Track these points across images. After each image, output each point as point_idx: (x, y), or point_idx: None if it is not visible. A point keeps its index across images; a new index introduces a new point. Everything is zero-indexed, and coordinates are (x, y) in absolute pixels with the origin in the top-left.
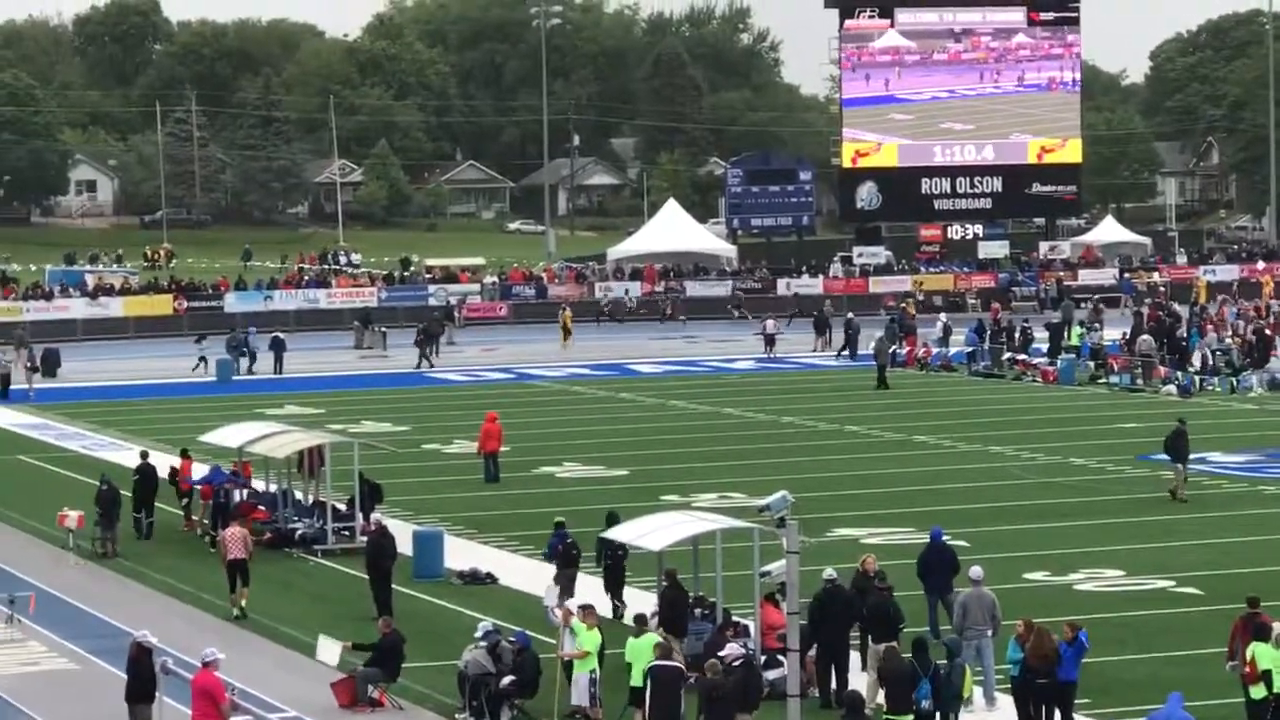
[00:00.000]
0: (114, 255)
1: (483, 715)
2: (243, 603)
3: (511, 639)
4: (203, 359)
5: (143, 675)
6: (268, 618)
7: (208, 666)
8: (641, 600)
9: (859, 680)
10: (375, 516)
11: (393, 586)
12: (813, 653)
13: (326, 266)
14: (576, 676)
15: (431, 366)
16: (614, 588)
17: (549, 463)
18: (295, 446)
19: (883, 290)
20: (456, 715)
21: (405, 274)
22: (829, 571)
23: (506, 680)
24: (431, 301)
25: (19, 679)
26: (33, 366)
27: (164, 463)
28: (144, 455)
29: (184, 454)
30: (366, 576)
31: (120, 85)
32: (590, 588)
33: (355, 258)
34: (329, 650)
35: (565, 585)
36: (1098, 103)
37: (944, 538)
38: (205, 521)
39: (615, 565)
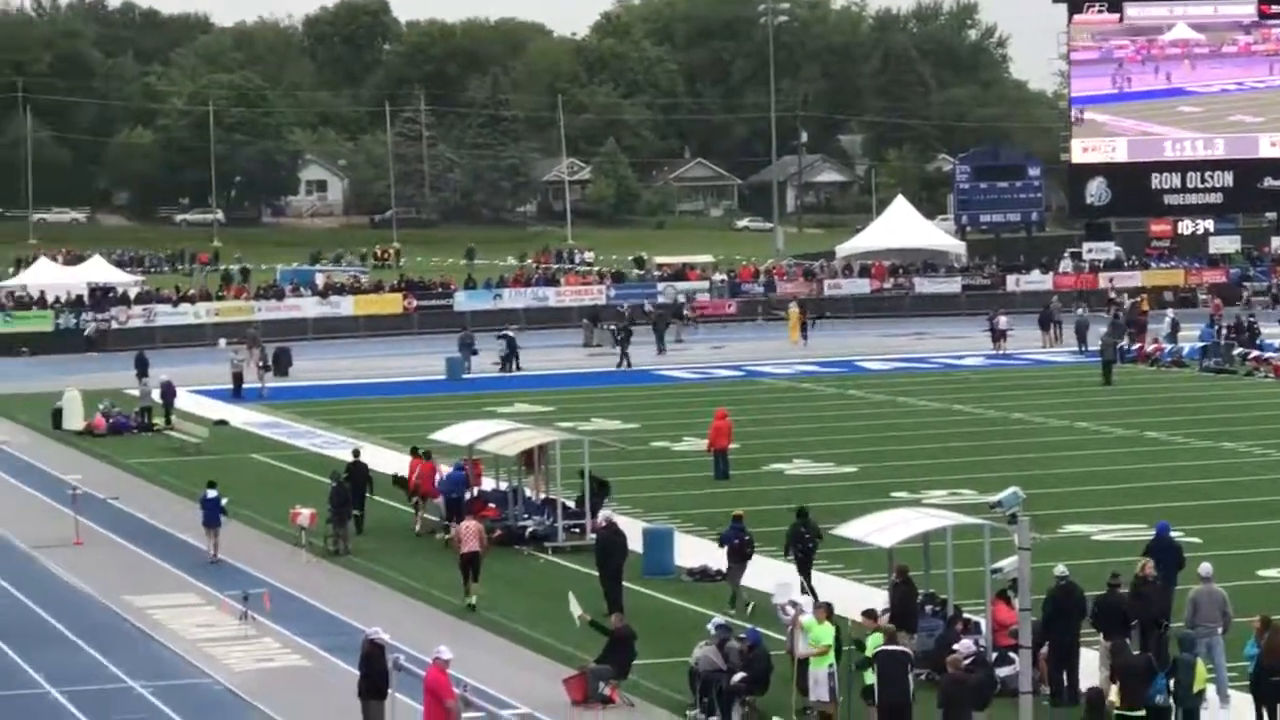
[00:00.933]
0: (357, 254)
1: (714, 712)
2: (474, 598)
3: (742, 635)
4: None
5: (375, 672)
6: (499, 615)
7: (440, 663)
8: (871, 597)
9: (1089, 678)
10: (605, 513)
11: (624, 584)
12: (1044, 650)
13: (558, 265)
14: (814, 672)
15: (630, 366)
16: (803, 576)
17: (778, 460)
18: (525, 444)
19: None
20: (687, 712)
21: (639, 272)
22: (1060, 568)
23: (738, 677)
24: (660, 299)
25: (253, 675)
26: (265, 365)
27: (392, 462)
28: (356, 454)
29: (414, 452)
30: (597, 573)
31: (349, 85)
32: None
33: (588, 256)
34: (576, 607)
35: (735, 577)
36: None
37: (1171, 533)
38: (436, 519)
39: (805, 557)
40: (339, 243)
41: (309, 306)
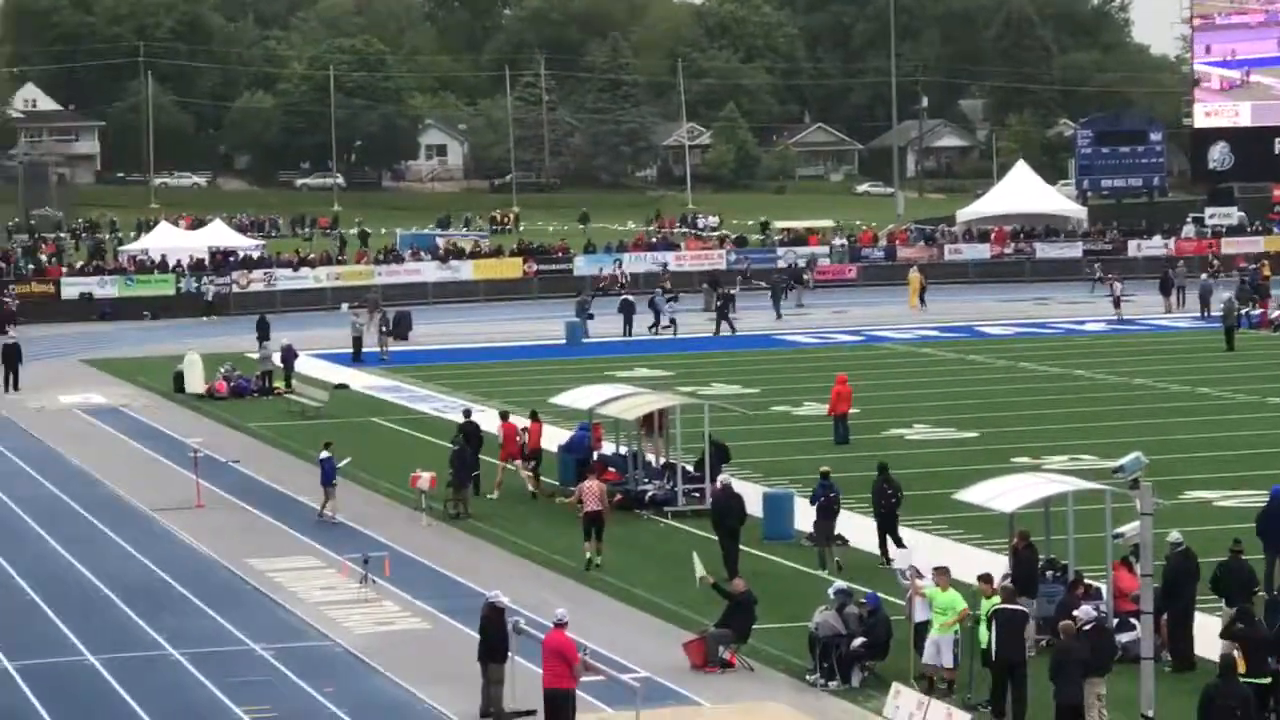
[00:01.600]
0: (486, 218)
1: (833, 677)
2: (597, 557)
3: (862, 600)
4: (671, 320)
5: (495, 635)
6: (619, 579)
7: (559, 627)
8: (991, 562)
9: (1209, 645)
10: (722, 477)
11: (741, 547)
12: (1165, 616)
13: (679, 230)
14: (936, 638)
15: (735, 333)
16: (888, 533)
17: (899, 425)
18: (646, 408)
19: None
20: (807, 677)
21: (763, 237)
22: (1175, 535)
23: (857, 642)
24: (780, 264)
25: (374, 638)
26: (385, 330)
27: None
28: (466, 414)
29: (533, 416)
30: (716, 537)
31: (470, 50)
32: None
33: (712, 220)
34: (699, 568)
35: (822, 536)
36: None
37: None
38: (555, 483)
39: (888, 513)
40: (458, 207)
41: (429, 271)
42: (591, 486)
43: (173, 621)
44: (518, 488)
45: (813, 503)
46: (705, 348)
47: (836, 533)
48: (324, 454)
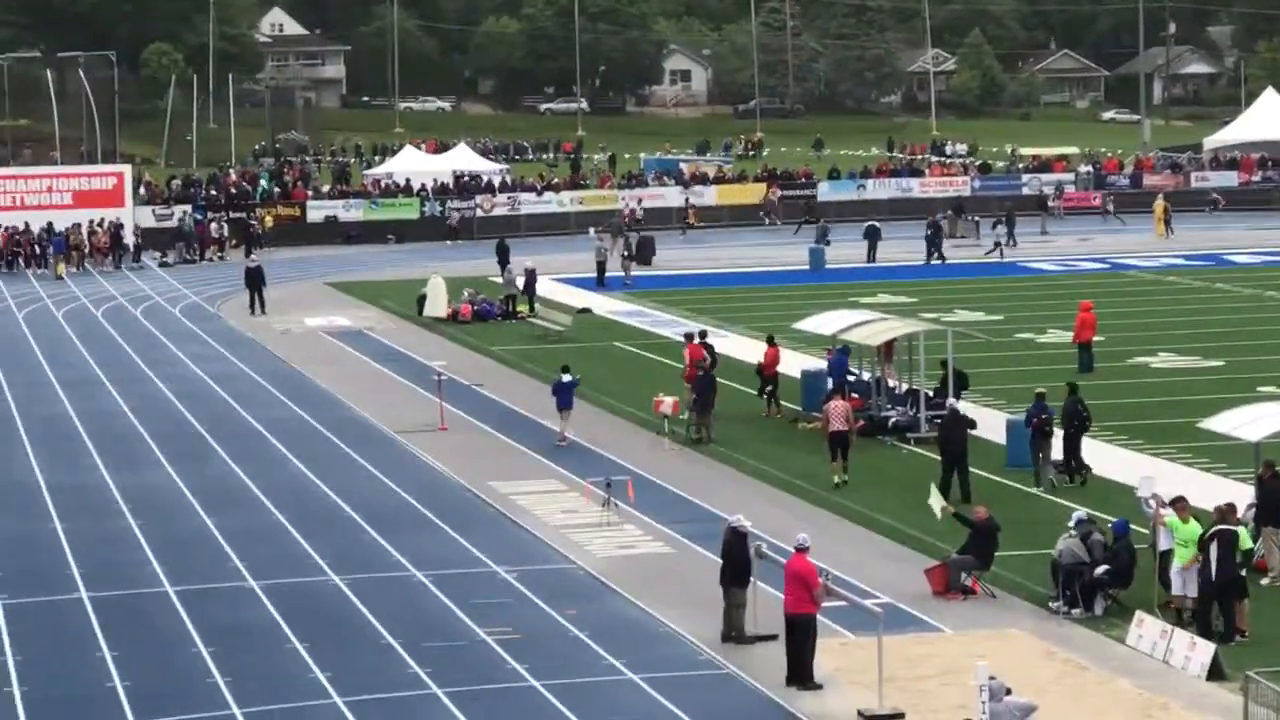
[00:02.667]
0: (740, 143)
1: (1076, 605)
2: (844, 474)
3: (1108, 527)
4: (997, 244)
5: (737, 559)
6: (861, 504)
7: (801, 552)
8: (1235, 491)
9: None
10: (949, 402)
11: (984, 474)
12: None
13: (924, 157)
14: (1179, 567)
15: (944, 260)
16: (1072, 455)
17: (1143, 353)
18: (888, 334)
19: None
20: (1050, 604)
21: (1010, 165)
22: None
23: (1100, 570)
24: (1025, 191)
25: (615, 561)
26: (629, 255)
27: (754, 352)
28: (702, 335)
29: (770, 341)
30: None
31: None
32: None
33: (960, 148)
34: (937, 500)
35: (1038, 453)
36: None
37: None
38: (797, 408)
39: (1076, 433)
40: (702, 132)
41: (673, 196)
42: (837, 406)
43: (415, 543)
44: (757, 411)
45: (1027, 424)
46: (946, 275)
47: (1080, 460)
48: (564, 377)
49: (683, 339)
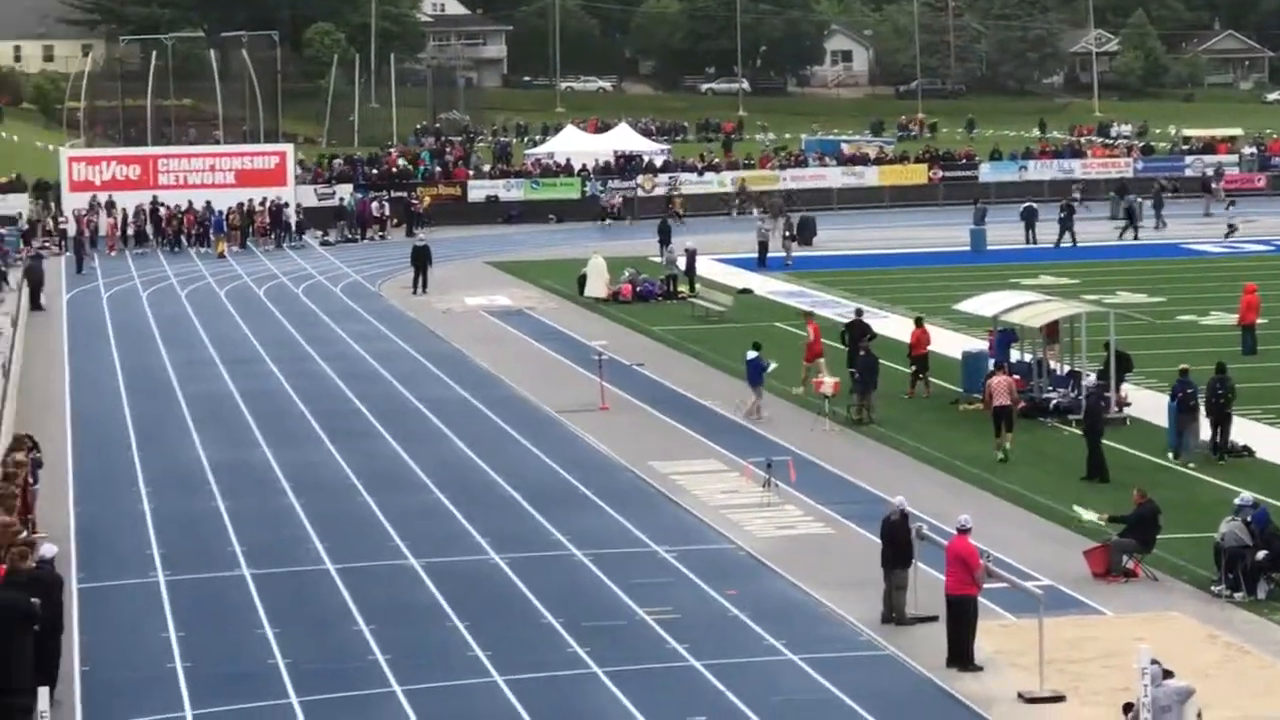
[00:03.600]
0: (902, 125)
1: (1239, 588)
2: (1007, 446)
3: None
4: (1231, 226)
5: (899, 540)
6: (1022, 486)
7: (962, 533)
8: None
9: None
10: (1088, 379)
11: (1146, 457)
12: None
13: (1089, 139)
14: None
15: (1075, 244)
16: (1218, 426)
17: None
18: (1050, 316)
19: None
20: (1212, 587)
21: (1173, 146)
22: None
23: (1263, 554)
24: (1188, 173)
25: (775, 541)
26: (790, 235)
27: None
28: (859, 313)
29: (918, 323)
30: (1123, 447)
31: None
32: None
33: (1126, 129)
34: (1087, 514)
35: (1191, 430)
36: None
37: None
38: (958, 389)
39: (1219, 410)
40: (863, 112)
41: (834, 176)
42: (1000, 381)
43: (575, 522)
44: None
45: (1172, 399)
46: (1108, 256)
47: (1243, 444)
48: (751, 354)
49: (803, 315)
